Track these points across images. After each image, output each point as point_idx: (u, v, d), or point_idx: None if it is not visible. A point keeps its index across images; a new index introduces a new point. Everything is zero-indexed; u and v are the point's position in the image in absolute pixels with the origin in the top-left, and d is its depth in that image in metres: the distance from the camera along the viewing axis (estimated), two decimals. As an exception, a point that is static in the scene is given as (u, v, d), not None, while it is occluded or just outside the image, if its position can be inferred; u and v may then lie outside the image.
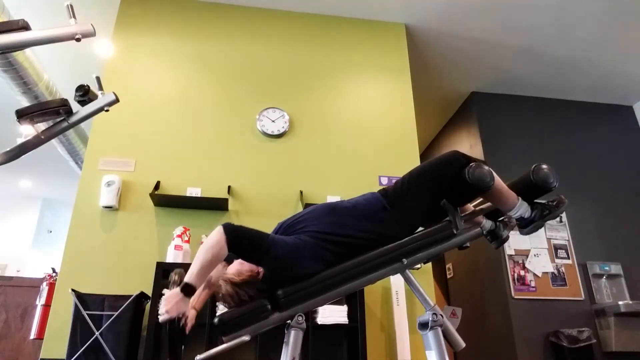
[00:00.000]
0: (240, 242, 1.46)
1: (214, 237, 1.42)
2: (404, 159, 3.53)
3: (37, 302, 3.98)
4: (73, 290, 2.53)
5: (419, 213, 1.66)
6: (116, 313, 2.48)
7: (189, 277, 1.39)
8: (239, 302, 1.51)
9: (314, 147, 3.48)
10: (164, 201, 3.06)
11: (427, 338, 1.56)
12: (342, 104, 3.68)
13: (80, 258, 2.87)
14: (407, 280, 1.69)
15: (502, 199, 1.67)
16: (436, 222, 1.69)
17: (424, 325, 1.59)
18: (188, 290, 1.39)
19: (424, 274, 3.11)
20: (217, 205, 3.08)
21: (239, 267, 1.55)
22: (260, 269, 1.55)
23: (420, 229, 1.71)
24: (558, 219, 4.37)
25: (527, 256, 4.22)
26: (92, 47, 4.16)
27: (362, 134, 3.58)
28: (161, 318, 1.39)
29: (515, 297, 4.05)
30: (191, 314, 1.62)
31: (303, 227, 1.60)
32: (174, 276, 1.58)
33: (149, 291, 2.64)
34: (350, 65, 3.84)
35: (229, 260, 1.65)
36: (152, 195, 2.99)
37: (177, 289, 1.39)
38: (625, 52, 4.42)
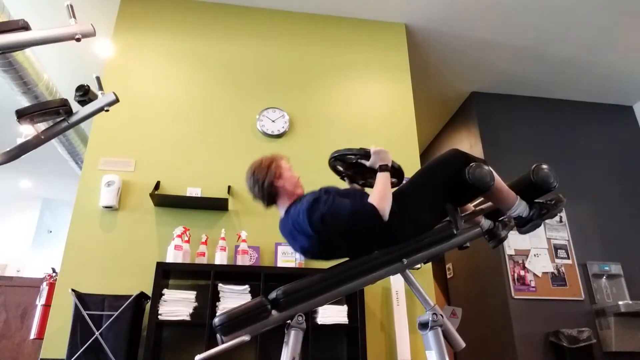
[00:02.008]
0: (365, 222, 1.57)
1: (385, 209, 1.56)
2: (404, 159, 3.47)
3: (37, 302, 3.98)
4: (73, 290, 2.53)
5: (426, 214, 1.67)
6: (116, 313, 2.48)
7: (386, 173, 1.67)
8: (253, 183, 1.71)
9: (314, 147, 3.47)
10: (164, 201, 3.06)
11: (427, 338, 1.56)
12: (342, 104, 3.68)
13: (80, 258, 2.87)
14: (407, 280, 1.69)
15: (501, 199, 1.68)
16: (440, 222, 1.70)
17: (424, 325, 1.59)
18: (385, 168, 1.68)
19: (424, 274, 3.11)
20: (217, 205, 3.08)
21: (281, 163, 1.74)
22: (285, 181, 1.71)
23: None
24: (558, 218, 4.38)
25: (527, 256, 4.22)
26: (92, 47, 4.16)
27: (362, 134, 3.58)
28: (369, 147, 1.70)
29: (515, 297, 4.05)
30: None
31: None
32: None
33: (149, 291, 2.64)
34: (350, 65, 3.84)
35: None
36: (152, 195, 2.99)
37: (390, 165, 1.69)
38: (625, 52, 4.42)
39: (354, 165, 1.80)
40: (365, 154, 1.71)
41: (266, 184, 1.69)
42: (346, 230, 1.57)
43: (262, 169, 1.71)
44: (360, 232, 1.59)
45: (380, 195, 1.58)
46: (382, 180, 1.63)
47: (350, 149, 1.74)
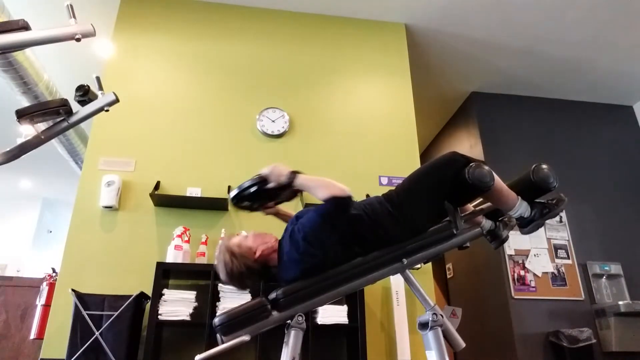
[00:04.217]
0: (337, 209, 1.53)
1: (338, 186, 1.54)
2: (404, 159, 3.53)
3: (37, 302, 3.98)
4: (73, 290, 2.53)
5: (422, 215, 1.66)
6: (116, 313, 2.48)
7: (301, 175, 1.58)
8: (230, 274, 1.57)
9: (314, 147, 3.48)
10: (164, 201, 3.06)
11: (427, 338, 1.56)
12: (342, 104, 3.68)
13: (80, 258, 2.87)
14: (407, 280, 1.69)
15: (502, 199, 1.67)
16: (439, 222, 1.69)
17: (424, 325, 1.59)
18: (292, 177, 1.57)
19: (424, 274, 3.11)
20: (217, 205, 3.08)
21: (241, 239, 1.62)
22: (259, 249, 1.59)
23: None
24: (558, 218, 4.38)
25: (527, 256, 4.22)
26: (92, 47, 4.16)
27: (362, 134, 3.58)
28: (262, 171, 1.60)
29: (515, 297, 4.05)
30: (271, 209, 1.80)
31: None
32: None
33: (149, 291, 2.64)
34: (350, 65, 3.84)
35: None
36: (152, 195, 2.99)
37: (289, 169, 1.58)
38: (625, 52, 4.42)
39: (259, 195, 1.68)
40: (263, 179, 1.60)
41: (245, 270, 1.57)
42: (329, 233, 1.54)
43: (231, 263, 1.56)
44: (345, 231, 1.57)
45: (321, 184, 1.55)
46: (306, 177, 1.58)
47: (242, 185, 1.63)
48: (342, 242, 1.58)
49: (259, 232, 1.68)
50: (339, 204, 1.53)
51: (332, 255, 1.56)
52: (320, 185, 1.55)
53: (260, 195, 1.66)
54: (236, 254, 1.57)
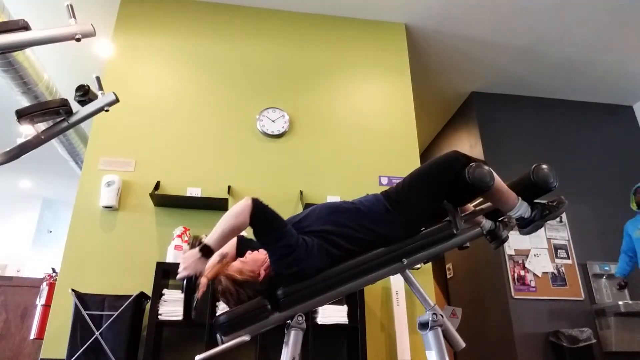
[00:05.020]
0: (263, 218, 1.47)
1: (239, 206, 1.45)
2: (404, 159, 3.53)
3: (37, 302, 3.98)
4: (73, 290, 2.53)
5: (421, 214, 1.66)
6: (116, 313, 2.48)
7: (208, 240, 1.44)
8: (237, 301, 1.53)
9: (314, 147, 3.48)
10: (164, 201, 3.06)
11: (427, 338, 1.56)
12: (342, 104, 3.68)
13: (80, 258, 2.87)
14: (407, 280, 1.69)
15: (502, 199, 1.67)
16: (438, 222, 1.69)
17: (424, 325, 1.59)
18: (206, 251, 1.43)
19: (424, 274, 3.11)
20: (217, 205, 3.08)
21: (240, 266, 1.57)
22: (261, 271, 1.55)
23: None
24: (558, 218, 4.37)
25: (527, 256, 4.22)
26: (92, 47, 4.16)
27: (362, 134, 3.58)
28: (178, 276, 1.45)
29: (515, 297, 4.05)
30: (203, 281, 1.60)
31: (305, 227, 1.60)
32: (193, 240, 1.58)
33: (149, 291, 2.64)
34: (350, 65, 3.84)
35: (240, 253, 1.66)
36: (152, 195, 2.99)
37: (196, 249, 1.44)
38: (625, 52, 4.42)
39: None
40: (190, 278, 1.49)
41: (254, 294, 1.51)
42: (282, 237, 1.48)
43: (237, 293, 1.52)
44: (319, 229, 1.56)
45: (230, 222, 1.44)
46: (212, 235, 1.46)
47: (191, 306, 1.53)
48: (327, 239, 1.56)
49: (251, 254, 1.64)
50: (257, 216, 1.45)
51: (323, 256, 1.53)
52: (230, 223, 1.44)
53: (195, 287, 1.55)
54: (241, 283, 1.53)
